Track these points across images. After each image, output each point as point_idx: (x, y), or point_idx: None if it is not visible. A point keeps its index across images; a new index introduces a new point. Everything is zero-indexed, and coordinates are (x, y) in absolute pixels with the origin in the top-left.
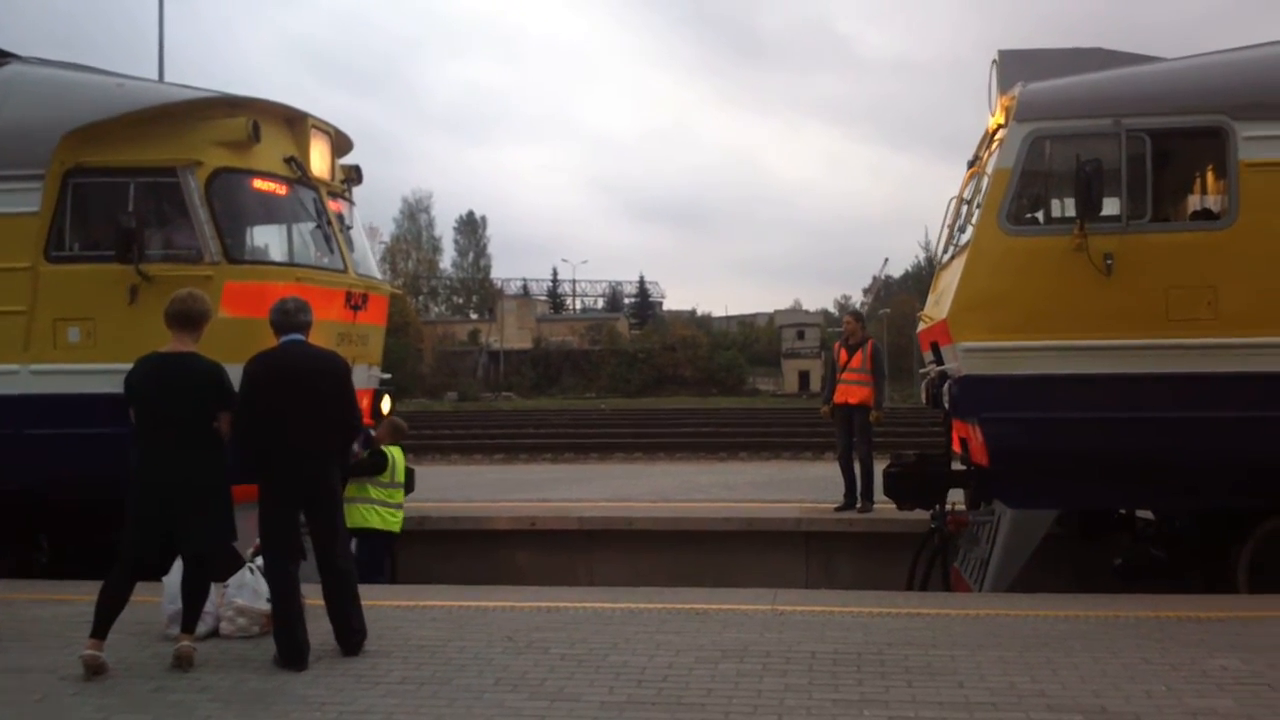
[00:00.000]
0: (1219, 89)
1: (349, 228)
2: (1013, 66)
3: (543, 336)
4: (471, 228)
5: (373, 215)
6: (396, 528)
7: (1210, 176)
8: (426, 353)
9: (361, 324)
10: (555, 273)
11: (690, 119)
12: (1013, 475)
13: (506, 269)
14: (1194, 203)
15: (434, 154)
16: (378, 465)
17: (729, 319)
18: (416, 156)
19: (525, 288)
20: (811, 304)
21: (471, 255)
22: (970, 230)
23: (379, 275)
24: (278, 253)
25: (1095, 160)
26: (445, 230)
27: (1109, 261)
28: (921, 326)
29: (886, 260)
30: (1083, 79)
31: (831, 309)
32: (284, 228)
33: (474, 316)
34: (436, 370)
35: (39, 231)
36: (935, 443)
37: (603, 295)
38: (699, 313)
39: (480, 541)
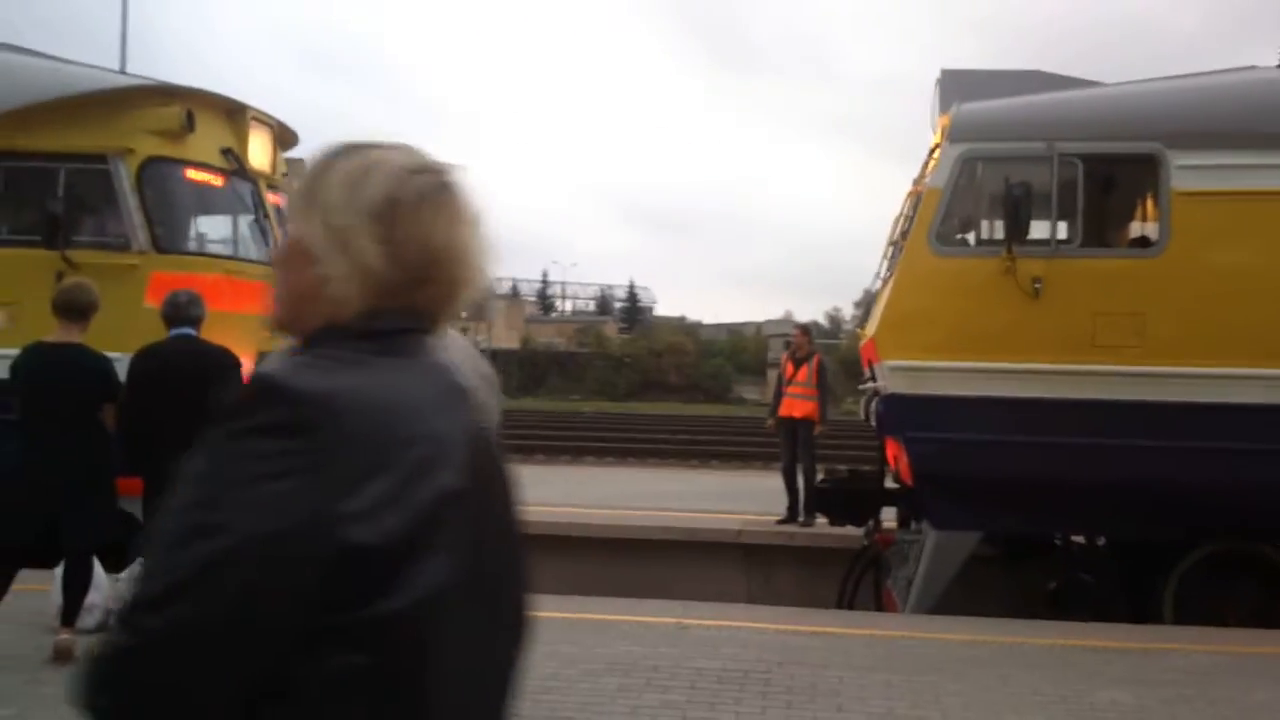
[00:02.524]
0: (1154, 117)
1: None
2: (954, 87)
3: (531, 337)
4: None
5: None
6: None
7: (1142, 204)
8: None
9: None
10: (545, 274)
11: (685, 125)
12: (936, 496)
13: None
14: (1125, 229)
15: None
16: None
17: (718, 327)
18: None
19: (515, 288)
20: (803, 314)
21: None
22: (903, 248)
23: None
24: (210, 244)
25: (1025, 183)
26: None
27: (1037, 285)
28: (861, 343)
29: (878, 275)
30: (1018, 101)
31: (822, 320)
32: (218, 219)
33: (463, 315)
34: None
35: None
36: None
37: (593, 298)
38: (688, 320)
39: None
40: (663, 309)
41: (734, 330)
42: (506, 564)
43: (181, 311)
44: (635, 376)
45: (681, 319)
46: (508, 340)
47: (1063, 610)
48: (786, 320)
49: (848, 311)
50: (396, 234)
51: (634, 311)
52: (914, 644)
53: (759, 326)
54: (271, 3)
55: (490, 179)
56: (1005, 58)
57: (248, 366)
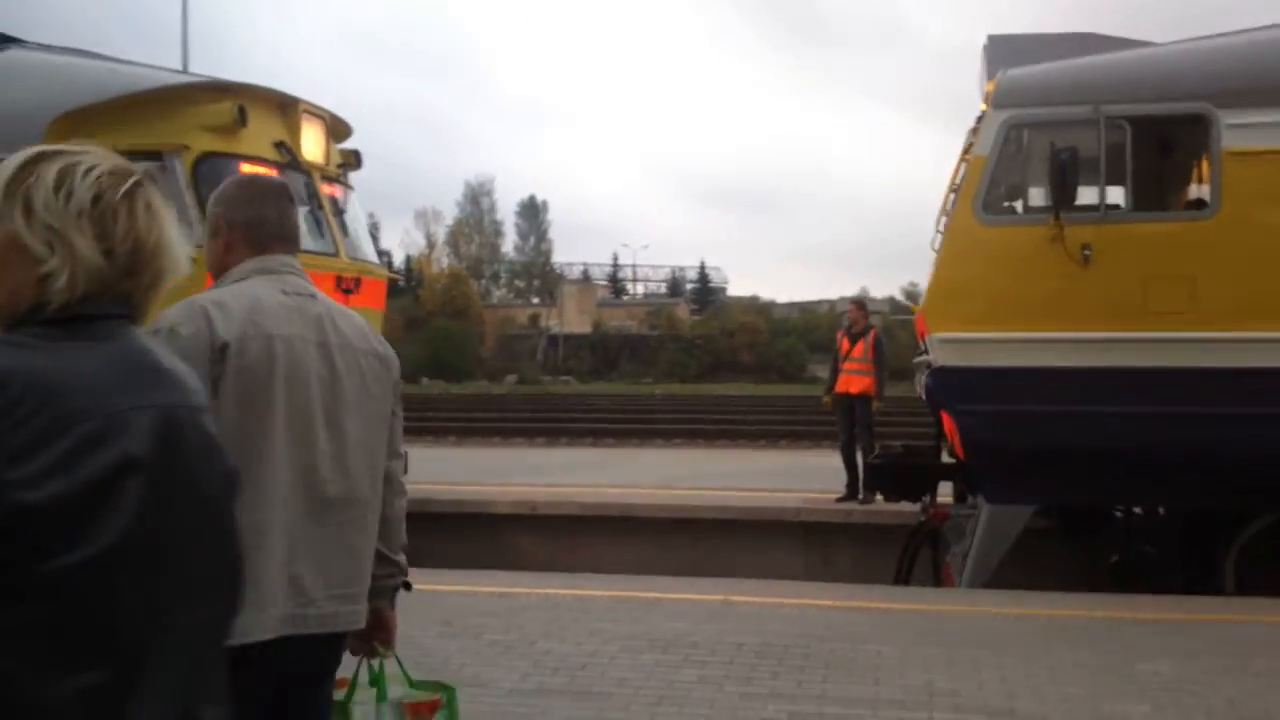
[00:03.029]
0: (1202, 75)
1: (343, 212)
2: (1001, 52)
3: (602, 321)
4: (533, 212)
5: (435, 199)
6: None
7: (1193, 165)
8: (487, 336)
9: (355, 308)
10: (616, 257)
11: (750, 101)
12: (988, 469)
13: (567, 253)
14: (1176, 192)
15: (496, 138)
16: None
17: (791, 305)
18: (478, 141)
19: (586, 272)
20: (879, 290)
21: (533, 240)
22: (948, 219)
23: (376, 259)
24: None
25: (1071, 148)
26: (507, 215)
27: (1086, 252)
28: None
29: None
30: (1062, 64)
31: (899, 296)
32: None
33: (535, 301)
34: (497, 354)
35: None
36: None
37: (664, 281)
38: (761, 299)
39: (483, 525)
40: (735, 289)
41: (806, 309)
42: (197, 526)
43: None
44: (707, 358)
45: (754, 299)
46: (579, 324)
47: (1124, 584)
48: (863, 297)
49: (924, 286)
50: (109, 230)
51: (705, 292)
52: (958, 618)
53: (833, 304)
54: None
55: (558, 163)
56: (1076, 18)
57: None
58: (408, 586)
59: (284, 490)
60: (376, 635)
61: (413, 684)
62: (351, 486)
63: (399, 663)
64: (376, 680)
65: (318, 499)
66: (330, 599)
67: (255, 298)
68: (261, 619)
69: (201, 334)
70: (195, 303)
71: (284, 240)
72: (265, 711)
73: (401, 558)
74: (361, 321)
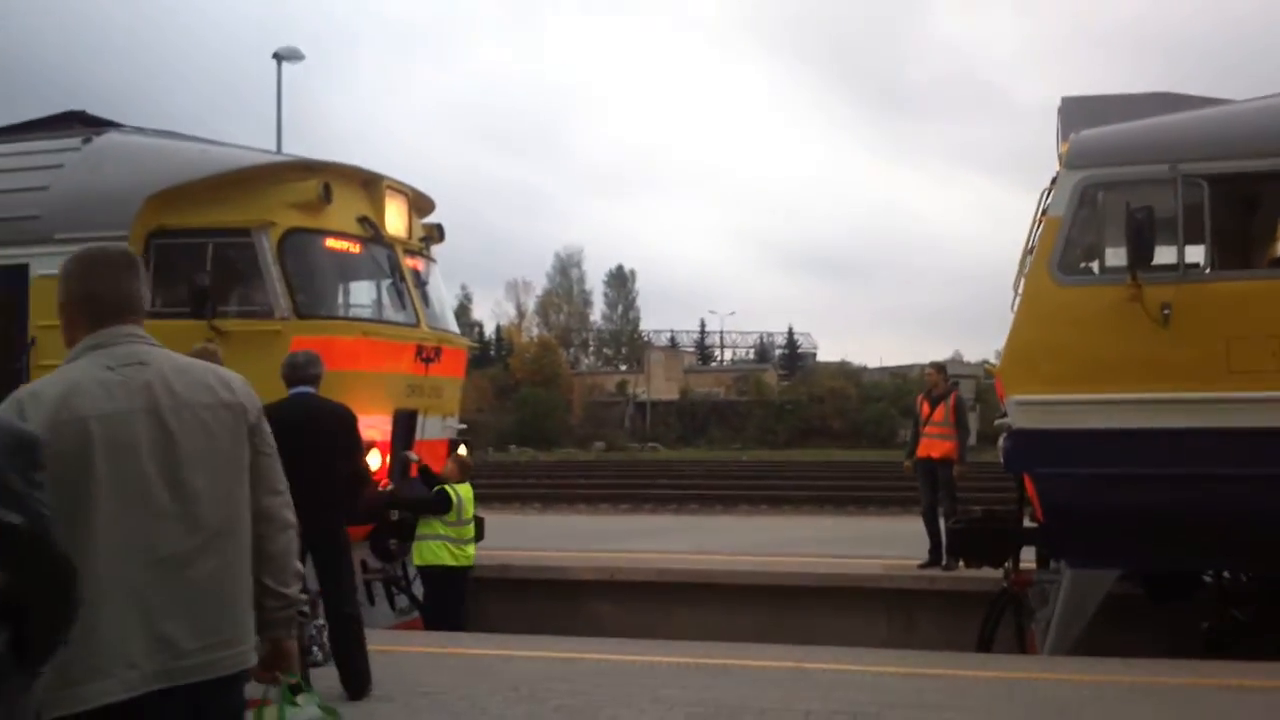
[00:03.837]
0: None
1: (424, 283)
2: (1076, 113)
3: (689, 387)
4: (621, 281)
5: (526, 270)
6: (467, 563)
7: (1274, 222)
8: (575, 404)
9: (434, 376)
10: (703, 324)
11: (839, 170)
12: (1069, 533)
13: (655, 321)
14: (1258, 249)
15: (586, 210)
16: (441, 504)
17: (882, 370)
18: (568, 213)
19: (673, 339)
20: (973, 354)
21: (621, 308)
22: (1024, 280)
23: (456, 330)
24: (348, 308)
25: (1147, 207)
26: (596, 284)
27: (1166, 312)
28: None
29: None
30: (1137, 124)
31: (993, 359)
32: (357, 284)
33: (623, 368)
34: (585, 421)
35: None
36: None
37: (752, 347)
38: (852, 364)
39: (562, 591)
40: (824, 354)
41: (897, 373)
42: None
43: (300, 371)
44: (796, 424)
45: (843, 364)
46: (666, 391)
47: (1217, 650)
48: (956, 361)
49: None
50: None
51: (794, 358)
52: (1037, 685)
53: (924, 369)
54: (433, 79)
55: (645, 231)
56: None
57: (381, 420)
58: (303, 614)
59: (119, 559)
60: (277, 664)
61: (321, 707)
62: (208, 539)
63: (304, 684)
64: (286, 700)
65: (168, 559)
66: (205, 648)
67: (72, 381)
68: (108, 684)
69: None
70: (14, 396)
71: (119, 312)
72: None
73: (292, 589)
74: (209, 375)
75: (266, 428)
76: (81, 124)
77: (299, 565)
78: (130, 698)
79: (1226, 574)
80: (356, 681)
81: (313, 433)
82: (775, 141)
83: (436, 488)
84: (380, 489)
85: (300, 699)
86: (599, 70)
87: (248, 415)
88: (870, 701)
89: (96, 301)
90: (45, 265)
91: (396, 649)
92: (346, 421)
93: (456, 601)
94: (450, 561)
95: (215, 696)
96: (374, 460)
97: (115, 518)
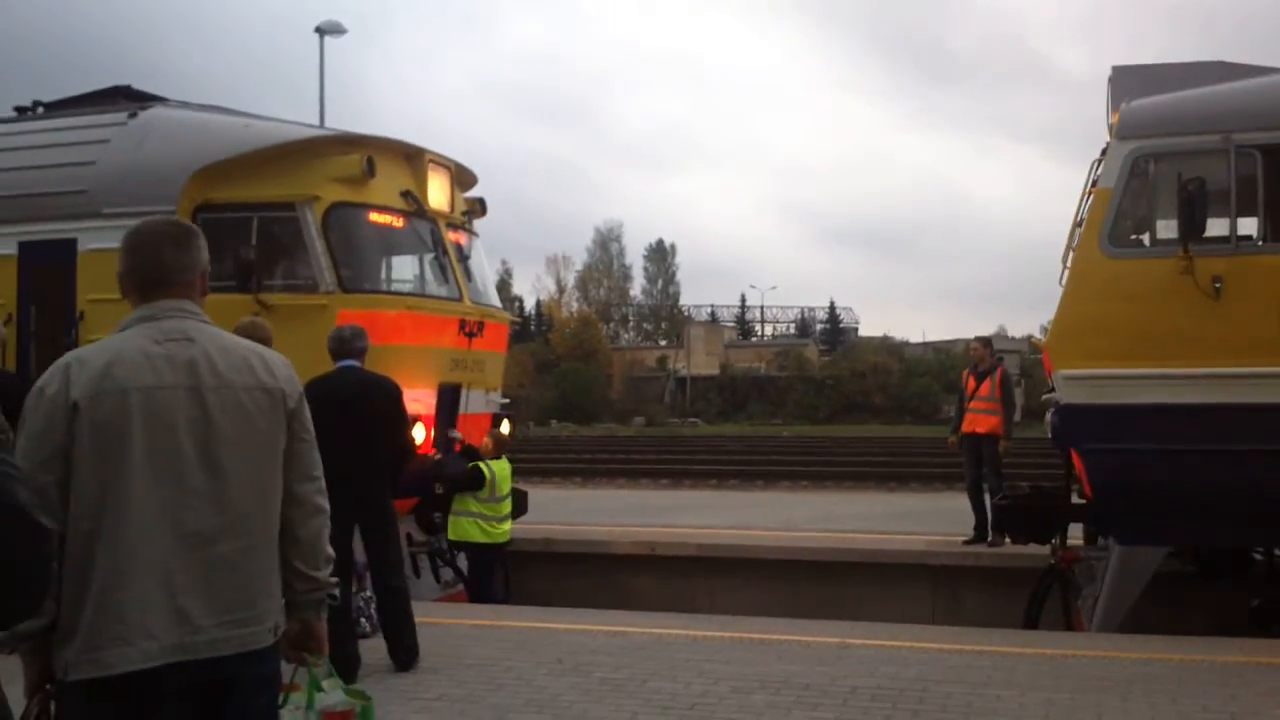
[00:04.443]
0: None
1: (467, 258)
2: (1127, 83)
3: (730, 362)
4: (661, 255)
5: (566, 245)
6: (502, 540)
7: None
8: (615, 379)
9: (477, 350)
10: (744, 299)
11: (881, 142)
12: (1118, 509)
13: (695, 296)
14: None
15: (625, 184)
16: (474, 480)
17: (925, 345)
18: (608, 187)
19: (713, 314)
20: (1017, 329)
21: (661, 282)
22: (1073, 253)
23: (498, 304)
24: (394, 282)
25: (1199, 179)
26: (635, 258)
27: (1217, 285)
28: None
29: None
30: (1189, 94)
31: (1039, 334)
32: (400, 258)
33: (663, 343)
34: (625, 396)
35: None
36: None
37: (793, 321)
38: (895, 339)
39: (603, 565)
40: (866, 329)
41: (941, 348)
42: None
43: (346, 345)
44: (838, 399)
45: (886, 339)
46: (707, 366)
47: (1265, 628)
48: (1001, 336)
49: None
50: None
51: (835, 333)
52: (1083, 663)
53: (969, 344)
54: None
55: (686, 206)
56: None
57: (425, 394)
58: (333, 599)
59: (149, 532)
60: (306, 645)
61: (346, 691)
62: (235, 519)
63: (331, 670)
64: (313, 686)
65: (195, 535)
66: (221, 625)
67: (117, 351)
68: (129, 653)
69: (60, 393)
70: (62, 361)
71: (166, 284)
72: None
73: (322, 573)
74: (253, 356)
75: (306, 414)
76: (127, 99)
77: (330, 550)
78: (149, 668)
79: (1277, 551)
80: (404, 653)
81: (358, 406)
82: (817, 113)
83: (470, 464)
84: (426, 461)
85: (325, 684)
86: (638, 42)
87: (287, 400)
88: (915, 678)
89: (142, 273)
90: (93, 240)
91: (442, 621)
92: (392, 395)
93: (488, 577)
94: (481, 538)
95: (239, 671)
96: (419, 434)
97: (148, 491)
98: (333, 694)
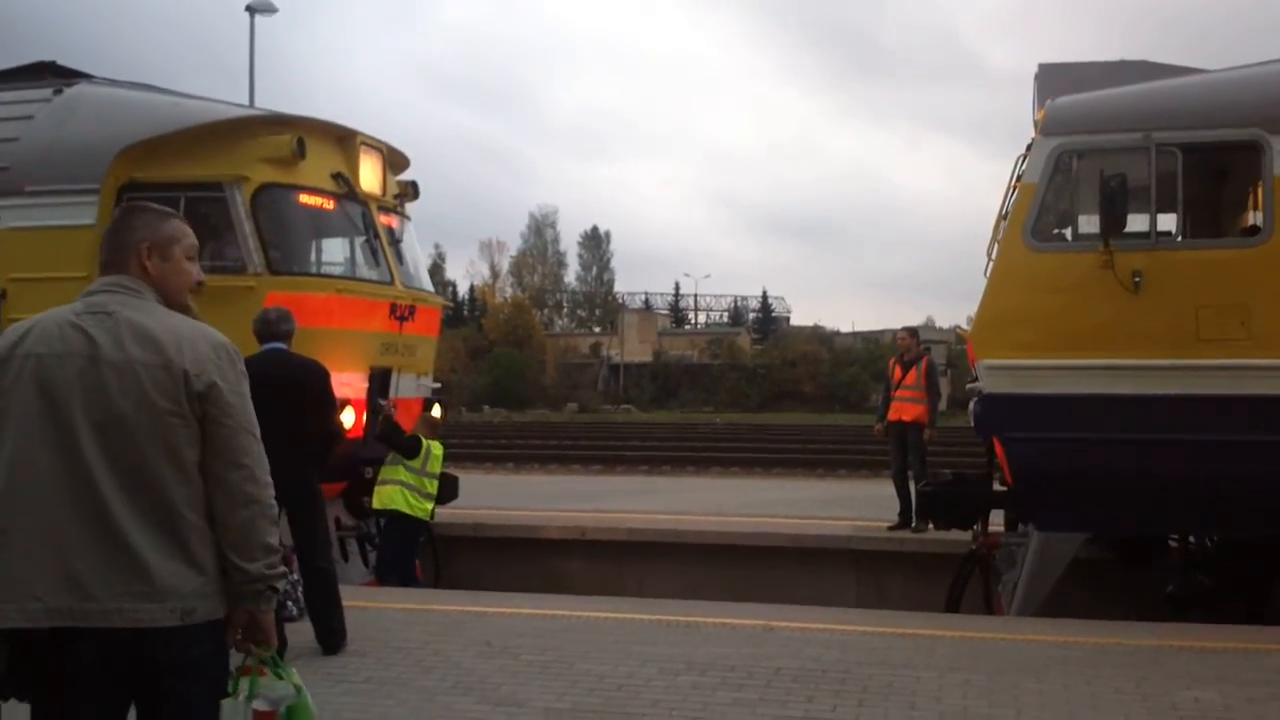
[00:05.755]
0: (1254, 102)
1: (399, 241)
2: (1052, 80)
3: (663, 350)
4: (595, 242)
5: (500, 230)
6: (424, 516)
7: (1245, 192)
8: (549, 365)
9: (409, 335)
10: (678, 287)
11: (814, 133)
12: (1037, 496)
13: (629, 283)
14: (1228, 219)
15: (560, 169)
16: (411, 448)
17: (854, 335)
18: (542, 173)
19: (647, 302)
20: (945, 320)
21: (595, 269)
22: (997, 246)
23: (430, 288)
24: (321, 265)
25: (1120, 175)
26: (570, 245)
27: (1137, 279)
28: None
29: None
30: (1112, 93)
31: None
32: (331, 240)
33: (597, 330)
34: (558, 382)
35: (94, 244)
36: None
37: (726, 310)
38: (825, 328)
39: (533, 551)
40: (797, 318)
41: (869, 338)
42: None
43: (272, 327)
44: (769, 387)
45: (816, 328)
46: (640, 353)
47: (1180, 614)
48: (929, 327)
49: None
50: None
51: (767, 322)
52: (1001, 645)
53: (896, 334)
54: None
55: (620, 193)
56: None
57: (356, 378)
58: (274, 589)
59: (30, 495)
60: (252, 636)
61: (295, 685)
62: (132, 495)
63: (276, 661)
64: (277, 672)
65: (87, 504)
66: (115, 596)
67: (39, 321)
68: (6, 610)
69: None
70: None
71: (108, 264)
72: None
73: (256, 565)
74: (167, 335)
75: (226, 398)
76: (52, 75)
77: (270, 540)
78: (43, 629)
79: (1191, 538)
80: (331, 636)
81: (284, 389)
82: (752, 102)
83: (411, 435)
84: (354, 444)
85: (269, 675)
86: (573, 25)
87: (191, 381)
88: (838, 659)
89: (102, 251)
90: (15, 218)
91: (370, 605)
92: (318, 377)
93: (408, 553)
94: (404, 509)
95: (158, 653)
96: (348, 418)
97: (39, 455)
98: (280, 685)
